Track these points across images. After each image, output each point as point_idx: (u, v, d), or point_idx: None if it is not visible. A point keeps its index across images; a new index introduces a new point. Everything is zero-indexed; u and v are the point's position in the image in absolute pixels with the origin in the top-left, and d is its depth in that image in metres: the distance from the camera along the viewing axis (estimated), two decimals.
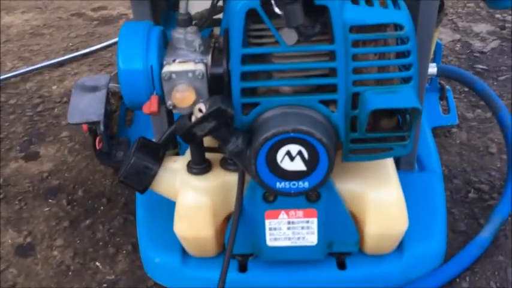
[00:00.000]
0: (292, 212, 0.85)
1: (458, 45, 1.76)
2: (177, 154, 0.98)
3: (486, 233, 0.99)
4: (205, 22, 0.83)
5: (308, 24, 0.72)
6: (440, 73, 1.26)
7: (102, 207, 1.16)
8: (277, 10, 0.71)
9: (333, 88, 0.75)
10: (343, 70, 0.74)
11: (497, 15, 1.92)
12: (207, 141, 0.87)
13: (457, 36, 1.81)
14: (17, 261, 1.05)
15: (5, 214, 1.16)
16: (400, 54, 0.76)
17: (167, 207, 0.92)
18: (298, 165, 0.76)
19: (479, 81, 1.27)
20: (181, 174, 0.87)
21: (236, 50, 0.74)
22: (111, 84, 1.32)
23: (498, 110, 1.19)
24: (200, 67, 0.77)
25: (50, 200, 1.19)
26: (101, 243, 1.07)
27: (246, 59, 0.75)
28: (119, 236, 1.09)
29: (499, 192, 1.14)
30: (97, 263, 1.03)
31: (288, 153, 0.75)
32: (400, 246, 0.93)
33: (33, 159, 1.33)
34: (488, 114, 1.39)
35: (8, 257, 1.06)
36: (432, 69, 1.21)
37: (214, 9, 0.83)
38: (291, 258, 0.90)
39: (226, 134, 0.75)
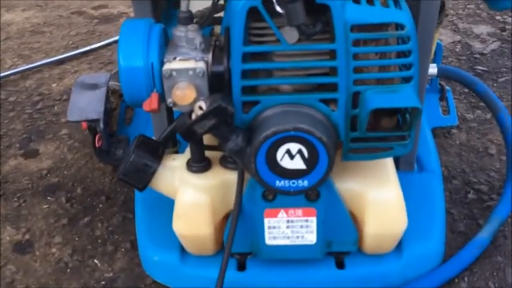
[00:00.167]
0: (291, 211, 0.85)
1: (459, 47, 1.76)
2: (177, 152, 0.98)
3: (485, 234, 0.99)
4: (206, 20, 0.82)
5: (309, 23, 0.72)
6: (441, 74, 1.26)
7: (101, 205, 1.16)
8: (278, 8, 0.71)
9: (333, 87, 0.75)
10: (344, 69, 0.74)
11: (498, 17, 1.93)
12: (207, 139, 0.87)
13: (458, 38, 1.81)
14: (15, 258, 1.05)
15: (3, 211, 1.16)
16: (400, 54, 0.76)
17: (166, 205, 0.92)
18: (298, 163, 0.76)
19: (480, 83, 1.27)
20: (180, 172, 0.87)
21: (237, 48, 0.74)
22: (111, 83, 1.31)
23: (498, 111, 1.19)
24: (201, 65, 0.77)
25: (48, 198, 1.19)
26: (99, 241, 1.07)
27: (246, 57, 0.75)
28: (118, 234, 1.09)
29: (498, 193, 1.14)
30: (95, 261, 1.03)
31: (288, 151, 0.75)
32: (399, 246, 0.93)
33: (32, 156, 1.33)
34: (488, 115, 1.39)
35: (6, 253, 1.06)
36: (432, 69, 1.21)
37: (215, 7, 0.83)
38: (290, 257, 0.90)
39: (226, 132, 0.75)
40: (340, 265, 0.92)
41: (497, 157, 1.25)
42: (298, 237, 0.87)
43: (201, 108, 0.74)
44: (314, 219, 0.85)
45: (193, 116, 0.75)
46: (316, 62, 0.76)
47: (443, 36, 1.81)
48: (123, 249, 1.05)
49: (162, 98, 0.79)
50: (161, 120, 1.00)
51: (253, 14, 0.72)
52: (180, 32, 0.79)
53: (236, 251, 0.92)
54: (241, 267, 0.93)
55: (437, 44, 1.28)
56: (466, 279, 0.96)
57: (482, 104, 1.39)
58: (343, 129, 0.78)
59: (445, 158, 1.25)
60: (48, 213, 1.15)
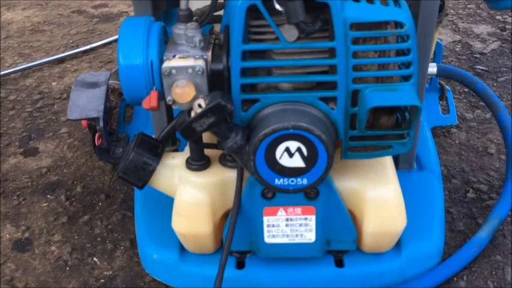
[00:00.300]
0: (290, 209, 0.85)
1: (459, 46, 1.76)
2: (176, 151, 0.98)
3: (484, 233, 0.99)
4: (205, 18, 0.82)
5: (308, 21, 0.73)
6: (440, 73, 1.26)
7: (100, 203, 1.16)
8: (278, 6, 0.71)
9: (332, 85, 0.75)
10: (343, 67, 0.74)
11: (498, 17, 1.93)
12: (206, 137, 0.87)
13: (458, 37, 1.81)
14: (14, 256, 1.05)
15: (3, 209, 1.16)
16: (400, 52, 0.76)
17: (165, 203, 0.92)
18: (297, 161, 0.76)
19: (479, 82, 1.27)
20: (180, 170, 0.87)
21: (236, 46, 0.74)
22: (110, 81, 1.32)
23: (498, 111, 1.19)
24: (200, 63, 0.77)
25: (48, 196, 1.19)
26: (99, 239, 1.07)
27: (246, 55, 0.75)
28: (117, 232, 1.09)
29: (497, 192, 1.14)
30: (95, 259, 1.03)
31: (287, 149, 0.75)
32: (398, 245, 0.93)
33: (32, 155, 1.33)
34: (488, 115, 1.39)
35: (5, 251, 1.06)
36: (432, 68, 1.21)
37: (214, 5, 0.83)
38: (289, 255, 0.90)
39: (225, 129, 0.75)
40: (339, 264, 0.92)
41: (496, 156, 1.25)
42: (297, 235, 0.87)
43: (200, 106, 0.74)
44: (313, 217, 0.85)
45: (193, 114, 0.75)
46: (315, 60, 0.76)
47: (444, 36, 1.81)
48: (122, 248, 1.05)
49: (161, 96, 0.79)
50: (161, 119, 1.00)
51: (252, 12, 0.72)
52: (179, 30, 0.79)
53: (235, 249, 0.92)
54: (241, 265, 0.93)
55: (437, 43, 1.28)
56: (465, 278, 0.96)
57: (482, 103, 1.39)
58: (343, 128, 0.78)
59: (444, 157, 1.25)
60: (48, 212, 1.15)
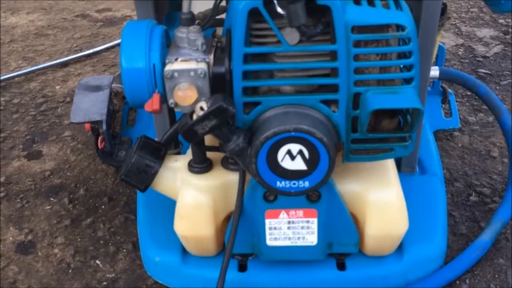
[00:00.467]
0: (292, 212, 0.85)
1: (462, 50, 1.76)
2: (179, 154, 0.99)
3: (487, 236, 0.99)
4: (208, 22, 0.83)
5: (310, 24, 0.73)
6: (443, 76, 1.26)
7: (103, 206, 1.17)
8: (279, 10, 0.71)
9: (334, 88, 0.76)
10: (345, 70, 0.74)
11: (501, 20, 1.93)
12: (208, 140, 0.87)
13: (460, 41, 1.81)
14: (17, 258, 1.05)
15: (6, 212, 1.17)
16: (401, 55, 0.76)
17: (168, 206, 0.92)
18: (299, 164, 0.76)
19: (482, 85, 1.27)
20: (182, 173, 0.87)
21: (238, 49, 0.74)
22: (114, 85, 1.32)
23: (500, 114, 1.19)
24: (202, 66, 0.77)
25: (51, 199, 1.20)
26: (101, 242, 1.08)
27: (247, 58, 0.75)
28: (120, 235, 1.09)
29: (500, 195, 1.14)
30: (97, 261, 1.03)
31: (289, 152, 0.75)
32: (400, 248, 0.93)
33: (35, 158, 1.34)
34: (491, 118, 1.39)
35: (8, 254, 1.06)
36: (434, 72, 1.21)
37: (217, 8, 0.84)
38: (291, 258, 0.90)
39: (227, 132, 0.76)
40: (341, 267, 0.92)
41: (499, 160, 1.25)
42: (299, 238, 0.87)
43: (202, 108, 0.74)
44: (315, 220, 0.85)
45: (195, 117, 0.75)
46: (317, 63, 0.76)
47: (446, 40, 1.81)
48: (124, 250, 1.05)
49: (163, 99, 0.79)
50: (163, 122, 1.01)
51: (254, 15, 0.73)
52: (181, 33, 0.79)
53: (237, 252, 0.92)
54: (243, 268, 0.93)
55: (440, 46, 1.28)
56: (467, 281, 0.96)
57: (484, 107, 1.39)
58: (344, 130, 0.78)
59: (447, 161, 1.25)
60: (51, 214, 1.15)
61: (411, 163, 1.07)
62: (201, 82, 0.77)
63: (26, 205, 1.18)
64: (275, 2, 0.71)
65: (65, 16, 2.16)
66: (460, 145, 1.31)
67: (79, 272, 1.02)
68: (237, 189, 0.83)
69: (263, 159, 0.76)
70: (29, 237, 1.10)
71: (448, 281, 0.94)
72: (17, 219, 1.15)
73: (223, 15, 0.93)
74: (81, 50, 1.87)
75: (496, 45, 1.77)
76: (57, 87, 1.65)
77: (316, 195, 0.83)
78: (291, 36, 0.74)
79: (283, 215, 0.85)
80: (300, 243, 0.87)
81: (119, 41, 1.89)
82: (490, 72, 1.62)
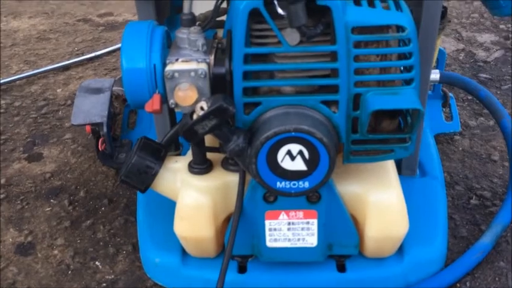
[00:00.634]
0: (292, 213, 0.85)
1: (462, 55, 1.76)
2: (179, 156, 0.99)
3: (487, 239, 0.99)
4: (208, 23, 0.83)
5: (310, 25, 0.73)
6: (443, 80, 1.26)
7: (103, 208, 1.16)
8: (280, 10, 0.72)
9: (334, 89, 0.76)
10: (345, 71, 0.74)
11: (502, 26, 1.93)
12: (209, 141, 0.87)
13: (461, 46, 1.81)
14: (17, 259, 1.05)
15: (6, 213, 1.17)
16: (401, 56, 0.77)
17: (168, 207, 0.92)
18: (299, 164, 0.76)
19: (482, 88, 1.27)
20: (182, 174, 0.87)
21: (238, 49, 0.74)
22: (115, 88, 1.32)
23: (501, 117, 1.19)
24: (203, 66, 0.77)
25: (51, 200, 1.20)
26: (101, 243, 1.07)
27: (248, 58, 0.76)
28: (120, 237, 1.09)
29: (501, 199, 1.14)
30: (97, 263, 1.03)
31: (289, 152, 0.75)
32: (401, 250, 0.92)
33: (36, 160, 1.34)
34: (491, 122, 1.39)
35: (8, 255, 1.06)
36: (435, 75, 1.21)
37: (217, 10, 0.84)
38: (291, 259, 0.90)
39: (227, 132, 0.76)
40: (341, 268, 0.92)
41: (500, 163, 1.25)
42: (299, 239, 0.87)
43: (202, 108, 0.74)
44: (315, 221, 0.85)
45: (195, 116, 0.75)
46: (317, 64, 0.76)
47: (447, 44, 1.81)
48: (124, 252, 1.05)
49: (164, 99, 0.80)
50: (164, 123, 1.01)
51: (255, 15, 0.73)
52: (182, 34, 0.80)
53: (237, 254, 0.91)
54: (242, 269, 0.93)
55: (440, 50, 1.29)
56: (468, 284, 0.96)
57: (485, 111, 1.39)
58: (344, 131, 0.78)
59: (447, 164, 1.25)
60: (51, 216, 1.15)
61: (412, 166, 1.07)
62: (202, 82, 0.78)
63: (26, 207, 1.18)
64: (275, 2, 0.71)
65: (66, 20, 2.17)
66: (460, 149, 1.31)
67: (78, 273, 1.01)
68: (237, 190, 0.83)
69: (263, 159, 0.76)
70: (29, 238, 1.10)
71: (448, 283, 0.94)
72: (16, 221, 1.15)
73: (224, 17, 0.93)
74: (82, 54, 1.87)
75: (496, 50, 1.78)
76: (58, 90, 1.66)
77: (316, 196, 0.83)
78: (292, 36, 0.74)
79: (283, 216, 0.85)
80: (299, 244, 0.87)
81: (120, 45, 1.89)
82: (490, 77, 1.62)
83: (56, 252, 1.06)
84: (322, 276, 0.91)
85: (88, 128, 1.22)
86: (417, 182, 1.07)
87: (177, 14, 1.15)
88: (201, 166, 0.86)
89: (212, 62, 0.78)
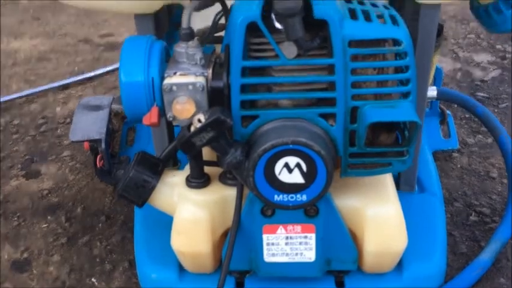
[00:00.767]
0: (290, 227, 0.84)
1: (459, 74, 1.77)
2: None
3: (487, 255, 0.98)
4: (207, 37, 0.84)
5: (308, 39, 0.74)
6: (441, 96, 1.27)
7: (100, 225, 1.16)
8: (277, 24, 0.72)
9: (331, 102, 0.76)
10: (342, 84, 0.75)
11: (498, 46, 1.95)
12: (207, 155, 0.87)
13: (458, 66, 1.83)
14: (12, 276, 1.04)
15: (3, 230, 1.16)
16: (398, 69, 0.77)
17: (165, 223, 0.91)
18: (297, 177, 0.76)
19: (480, 105, 1.28)
20: (179, 188, 0.87)
21: (236, 63, 0.75)
22: (114, 105, 1.33)
23: (499, 134, 1.19)
24: (200, 80, 0.78)
25: (48, 217, 1.19)
26: (97, 260, 1.07)
27: (246, 71, 0.76)
28: (116, 253, 1.08)
29: (500, 215, 1.13)
30: (93, 279, 1.02)
31: (286, 165, 0.75)
32: (400, 266, 0.92)
33: (33, 177, 1.33)
34: (489, 140, 1.39)
35: (4, 272, 1.05)
36: (432, 92, 1.22)
37: (215, 24, 0.85)
38: (289, 274, 0.89)
39: (224, 145, 0.76)
40: (340, 284, 0.91)
41: (498, 180, 1.25)
42: (297, 254, 0.86)
43: (200, 120, 0.74)
44: (313, 235, 0.85)
45: (192, 129, 0.75)
46: (314, 77, 0.76)
47: (444, 64, 1.83)
48: (121, 268, 1.04)
49: (162, 113, 0.80)
50: (162, 138, 1.01)
51: (252, 29, 0.73)
52: (180, 48, 0.80)
53: (234, 269, 0.91)
54: (240, 285, 0.92)
55: (437, 68, 1.29)
56: None
57: (483, 128, 1.40)
58: (342, 144, 0.78)
59: (446, 181, 1.24)
60: (47, 233, 1.15)
61: (410, 181, 1.07)
62: (200, 96, 0.78)
63: (23, 223, 1.18)
64: (273, 16, 0.72)
65: (67, 41, 2.19)
66: (459, 166, 1.30)
67: None
68: (235, 204, 0.83)
69: (261, 172, 0.76)
70: (25, 255, 1.09)
71: None
72: (13, 237, 1.14)
73: (222, 33, 0.94)
74: (82, 73, 1.88)
75: (493, 69, 1.79)
76: (57, 108, 1.66)
77: (314, 210, 0.83)
78: (289, 50, 0.74)
79: (280, 230, 0.85)
80: (297, 259, 0.86)
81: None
82: (488, 95, 1.63)
83: (51, 268, 1.05)
84: None
85: (86, 144, 1.22)
86: (416, 198, 1.07)
87: (176, 29, 1.16)
88: (198, 180, 0.86)
89: (210, 75, 0.79)
